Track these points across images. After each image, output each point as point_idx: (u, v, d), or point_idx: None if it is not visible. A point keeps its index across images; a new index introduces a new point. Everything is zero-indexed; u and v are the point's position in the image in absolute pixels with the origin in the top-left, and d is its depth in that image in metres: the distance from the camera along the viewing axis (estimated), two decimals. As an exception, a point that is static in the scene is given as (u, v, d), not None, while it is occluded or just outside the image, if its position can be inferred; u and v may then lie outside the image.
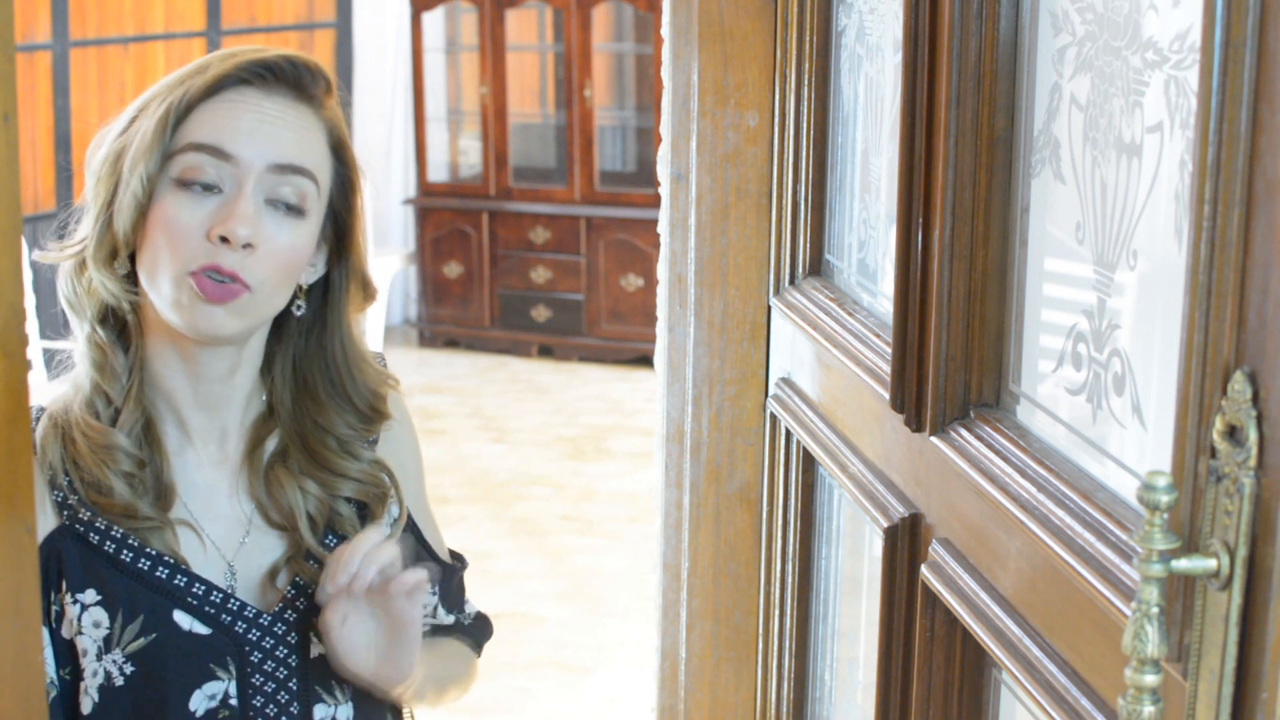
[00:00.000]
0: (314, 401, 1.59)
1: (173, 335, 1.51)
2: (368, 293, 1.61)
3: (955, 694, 1.46)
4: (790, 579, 2.03)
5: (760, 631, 2.16)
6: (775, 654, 2.09)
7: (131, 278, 1.50)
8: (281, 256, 1.48)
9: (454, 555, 1.76)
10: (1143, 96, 1.16)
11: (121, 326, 1.53)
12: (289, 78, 1.50)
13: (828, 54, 1.94)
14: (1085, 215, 1.25)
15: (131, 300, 1.50)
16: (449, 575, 1.72)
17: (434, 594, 1.70)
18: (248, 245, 1.45)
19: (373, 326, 8.45)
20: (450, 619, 1.73)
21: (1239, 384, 0.90)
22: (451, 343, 8.80)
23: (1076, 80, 1.27)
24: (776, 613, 2.08)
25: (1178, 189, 1.10)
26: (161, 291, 1.47)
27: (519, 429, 7.28)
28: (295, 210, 1.49)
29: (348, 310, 1.59)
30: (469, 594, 1.78)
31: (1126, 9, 1.19)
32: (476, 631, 1.77)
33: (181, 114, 1.47)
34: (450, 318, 8.78)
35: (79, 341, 1.53)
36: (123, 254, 1.49)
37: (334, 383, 1.59)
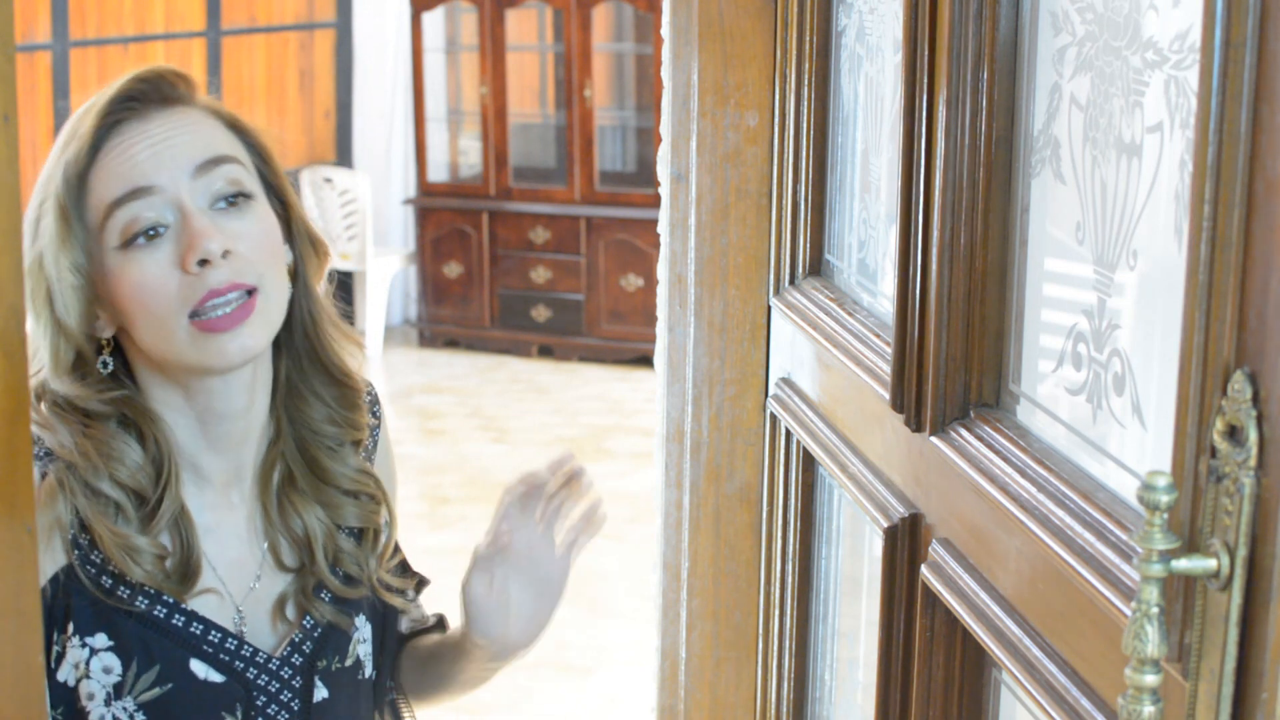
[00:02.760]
0: (299, 391, 1.56)
1: (186, 384, 1.48)
2: (319, 249, 1.57)
3: (955, 694, 1.46)
4: (790, 579, 2.03)
5: (760, 631, 2.16)
6: (775, 654, 2.09)
7: (116, 368, 1.47)
8: (259, 242, 1.46)
9: (419, 576, 1.77)
10: (1143, 96, 1.16)
11: (118, 417, 1.47)
12: (151, 95, 1.46)
13: (828, 54, 1.94)
14: (1085, 215, 1.25)
15: (120, 395, 1.46)
16: (421, 585, 1.74)
17: (417, 605, 1.73)
18: (226, 253, 1.42)
19: (373, 326, 8.45)
20: (433, 619, 1.76)
21: (1239, 384, 0.90)
22: (451, 343, 8.80)
23: (1076, 80, 1.27)
24: (776, 613, 2.08)
25: (1178, 189, 1.10)
26: (173, 346, 1.43)
27: (519, 429, 7.28)
28: (239, 196, 1.46)
29: (309, 275, 1.56)
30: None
31: (1126, 9, 1.19)
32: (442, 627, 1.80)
33: (76, 189, 1.43)
34: (450, 318, 8.78)
35: (68, 442, 1.45)
36: (99, 352, 1.45)
37: (312, 354, 1.56)
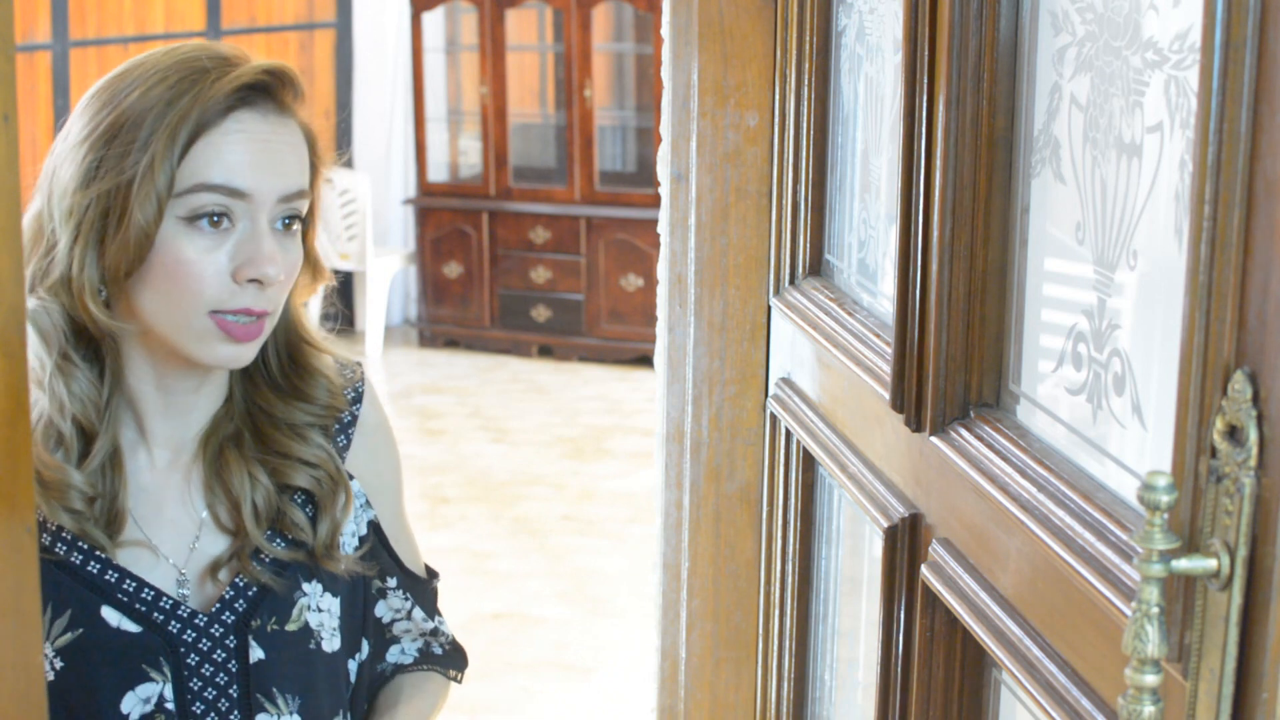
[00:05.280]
0: (259, 389, 1.57)
1: (153, 355, 1.49)
2: (317, 274, 1.58)
3: (955, 694, 1.46)
4: (790, 579, 2.03)
5: (760, 631, 2.16)
6: (775, 654, 2.09)
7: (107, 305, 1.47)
8: (293, 274, 1.49)
9: (428, 569, 1.76)
10: (1143, 96, 1.16)
11: (91, 347, 1.49)
12: (276, 93, 1.48)
13: (828, 54, 1.94)
14: (1085, 215, 1.25)
15: (120, 329, 1.47)
16: (419, 589, 1.71)
17: (407, 600, 1.69)
18: (277, 281, 1.45)
19: (373, 326, 8.45)
20: (430, 625, 1.73)
21: (1239, 384, 0.90)
22: (451, 343, 8.80)
23: (1076, 80, 1.27)
24: (776, 613, 2.08)
25: (1178, 189, 1.10)
26: (178, 327, 1.45)
27: (519, 429, 7.28)
28: (296, 222, 1.50)
29: (295, 292, 1.56)
30: (448, 621, 1.78)
31: (1126, 9, 1.19)
32: (454, 661, 1.77)
33: (188, 143, 1.43)
34: (450, 318, 8.78)
35: (44, 365, 1.47)
36: (115, 283, 1.45)
37: (282, 366, 1.57)
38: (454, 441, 7.09)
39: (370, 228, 8.39)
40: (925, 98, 1.45)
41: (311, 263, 1.57)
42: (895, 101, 1.69)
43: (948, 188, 1.40)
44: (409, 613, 1.70)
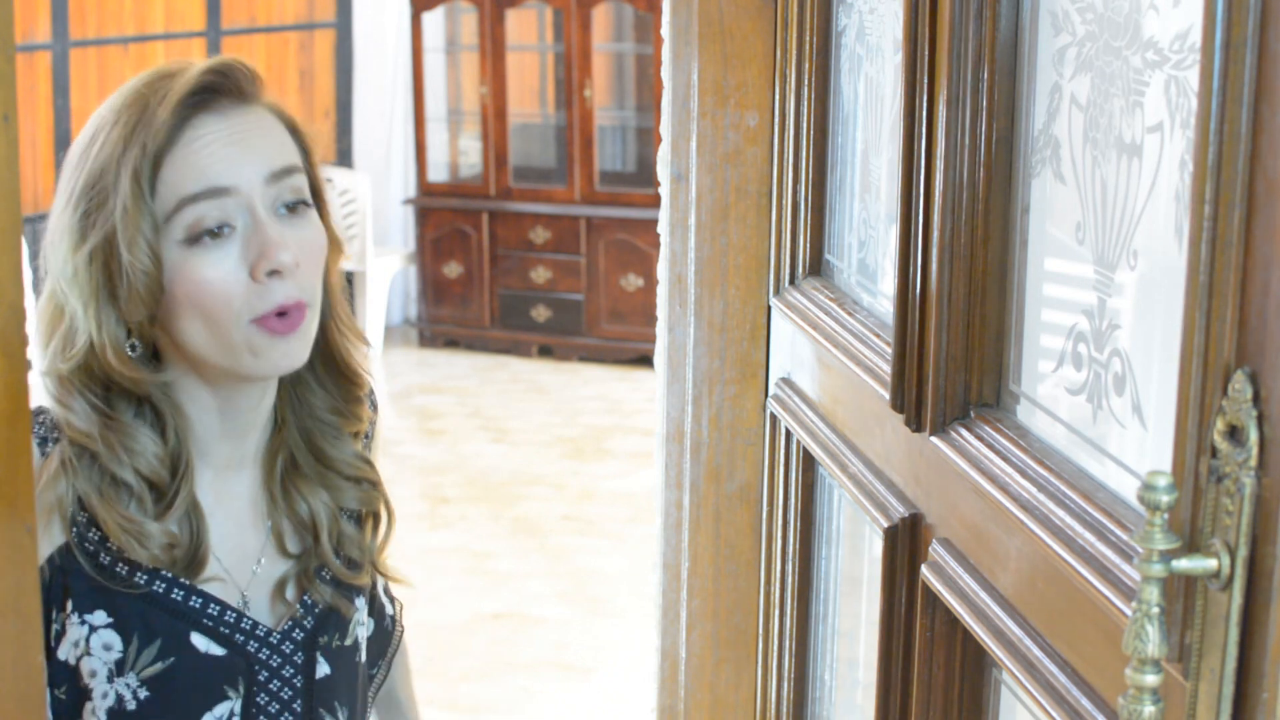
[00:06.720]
0: (304, 380, 1.56)
1: (213, 385, 1.48)
2: (335, 245, 1.55)
3: (955, 694, 1.46)
4: (790, 579, 2.03)
5: (760, 631, 2.16)
6: (775, 654, 2.09)
7: (143, 357, 1.45)
8: (314, 255, 1.47)
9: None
10: (1143, 96, 1.16)
11: (135, 401, 1.47)
12: (227, 88, 1.46)
13: (828, 54, 1.94)
14: (1085, 215, 1.25)
15: (157, 381, 1.46)
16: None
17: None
18: (296, 265, 1.43)
19: (373, 326, 8.45)
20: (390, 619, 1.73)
21: (1239, 384, 0.90)
22: (451, 343, 8.80)
23: (1076, 80, 1.27)
24: (776, 613, 2.08)
25: (1178, 189, 1.10)
26: (227, 347, 1.43)
27: (519, 429, 7.28)
28: (301, 205, 1.47)
29: (330, 273, 1.55)
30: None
31: (1126, 9, 1.19)
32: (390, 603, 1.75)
33: (152, 172, 1.41)
34: (450, 318, 8.78)
35: (90, 429, 1.44)
36: (135, 337, 1.44)
37: (321, 348, 1.55)
38: (454, 441, 7.09)
39: (370, 228, 8.39)
40: (925, 98, 1.45)
41: (330, 234, 1.53)
42: (895, 101, 1.69)
43: (948, 188, 1.40)
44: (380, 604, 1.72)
